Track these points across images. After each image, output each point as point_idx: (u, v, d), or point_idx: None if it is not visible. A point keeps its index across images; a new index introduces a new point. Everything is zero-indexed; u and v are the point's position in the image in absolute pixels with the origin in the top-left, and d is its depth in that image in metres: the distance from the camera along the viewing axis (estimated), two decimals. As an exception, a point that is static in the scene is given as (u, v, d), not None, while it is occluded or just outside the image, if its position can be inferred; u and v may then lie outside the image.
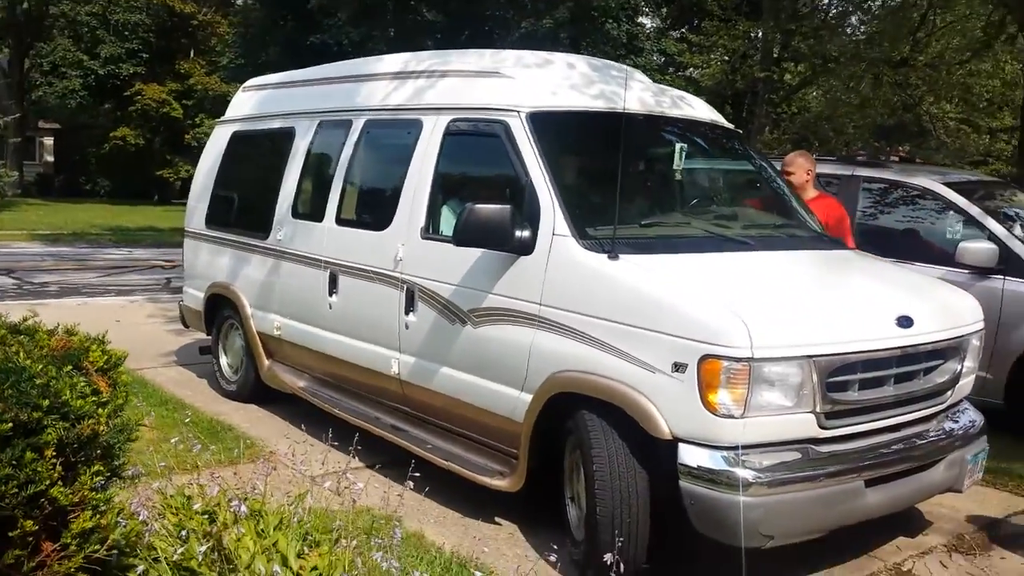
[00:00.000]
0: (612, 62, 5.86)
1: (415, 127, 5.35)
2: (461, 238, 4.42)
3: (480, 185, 5.09)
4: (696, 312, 3.74)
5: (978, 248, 6.27)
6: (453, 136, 5.08)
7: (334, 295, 5.76)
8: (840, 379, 3.83)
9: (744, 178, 5.45)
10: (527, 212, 4.40)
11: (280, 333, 6.37)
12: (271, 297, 6.46)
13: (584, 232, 4.28)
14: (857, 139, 22.39)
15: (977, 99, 24.91)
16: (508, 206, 4.36)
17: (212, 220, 7.34)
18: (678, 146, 4.87)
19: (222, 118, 7.74)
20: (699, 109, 5.56)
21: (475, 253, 4.64)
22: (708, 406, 3.63)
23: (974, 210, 6.59)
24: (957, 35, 18.05)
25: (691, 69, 27.71)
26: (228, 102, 7.99)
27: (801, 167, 5.85)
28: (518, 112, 4.70)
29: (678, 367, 3.71)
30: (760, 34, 31.14)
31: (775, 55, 29.33)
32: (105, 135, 39.05)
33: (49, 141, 43.00)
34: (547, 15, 23.27)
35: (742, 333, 3.60)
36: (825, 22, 32.05)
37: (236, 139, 7.33)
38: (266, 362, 6.63)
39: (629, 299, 3.94)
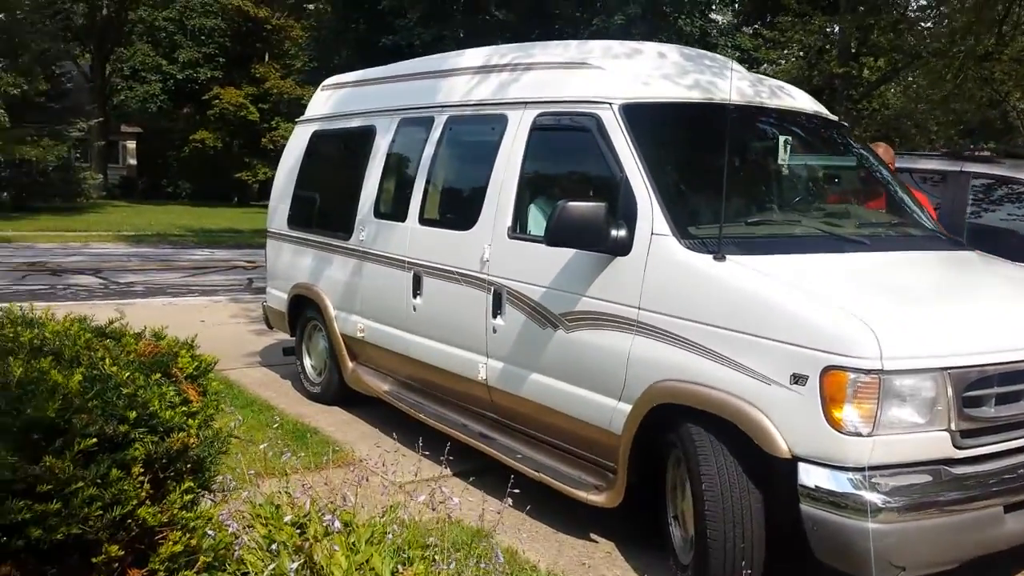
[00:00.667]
0: (705, 51, 5.56)
1: (500, 122, 5.15)
2: (553, 237, 4.20)
3: (570, 182, 4.87)
4: (817, 318, 3.44)
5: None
6: (540, 131, 4.87)
7: (418, 297, 5.60)
8: (976, 393, 3.49)
9: (851, 173, 5.10)
10: (623, 210, 4.16)
11: (364, 335, 6.24)
12: (354, 298, 6.34)
13: (686, 231, 4.02)
14: (941, 136, 21.55)
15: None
16: (603, 203, 4.13)
17: (294, 220, 7.27)
18: (782, 139, 4.57)
19: (302, 117, 7.66)
20: (800, 99, 5.23)
21: (567, 253, 4.42)
22: (832, 422, 3.34)
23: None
24: None
25: (766, 65, 27.06)
26: (303, 105, 7.93)
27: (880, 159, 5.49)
28: (610, 104, 4.46)
29: (797, 379, 3.43)
30: (837, 29, 30.28)
31: (853, 50, 28.46)
32: (185, 138, 39.96)
33: (131, 144, 44.22)
34: (618, 11, 22.88)
35: (870, 342, 3.30)
36: (904, 16, 30.99)
37: (316, 139, 7.24)
38: (350, 364, 6.51)
39: (739, 304, 3.67)
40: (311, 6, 38.51)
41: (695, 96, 4.69)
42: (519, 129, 4.96)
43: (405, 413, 5.85)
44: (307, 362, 7.17)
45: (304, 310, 7.09)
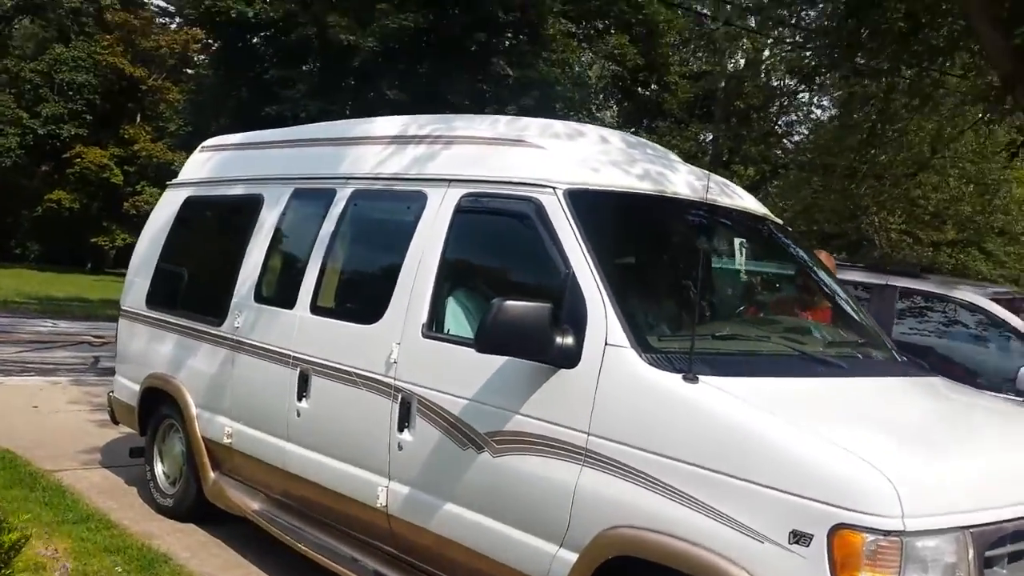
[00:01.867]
0: (645, 140, 5.02)
1: (417, 201, 4.40)
2: (486, 342, 3.43)
3: (502, 276, 4.15)
4: (824, 463, 2.79)
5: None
6: (466, 214, 4.15)
7: (304, 400, 4.69)
8: (994, 553, 2.90)
9: (803, 282, 4.58)
10: (569, 313, 3.45)
11: (232, 441, 5.24)
12: (223, 396, 5.35)
13: (647, 343, 3.34)
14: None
15: (922, 212, 25.17)
16: (547, 304, 3.41)
17: (154, 298, 6.23)
18: (738, 241, 4.02)
19: (174, 180, 6.71)
20: (748, 200, 4.72)
21: (497, 360, 3.66)
22: (842, 593, 2.66)
23: (1024, 327, 5.85)
24: (903, 148, 17.96)
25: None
26: (174, 170, 6.97)
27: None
28: (554, 188, 3.79)
29: (798, 537, 2.75)
30: (711, 137, 31.38)
31: (724, 158, 29.50)
32: (39, 197, 37.32)
33: (-22, 200, 41.04)
34: (511, 103, 22.83)
35: (890, 496, 2.66)
36: (774, 128, 32.49)
37: (189, 205, 6.29)
38: (212, 475, 5.47)
39: (721, 438, 2.98)
40: (190, 70, 37.24)
41: (646, 187, 4.08)
42: (440, 210, 4.22)
43: (279, 539, 4.87)
44: (159, 468, 6.05)
45: (158, 405, 6.01)
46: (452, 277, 4.16)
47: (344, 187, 4.92)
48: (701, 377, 3.15)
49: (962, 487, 2.90)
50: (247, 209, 5.61)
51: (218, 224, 6.12)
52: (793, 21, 12.03)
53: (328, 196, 4.98)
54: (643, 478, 3.14)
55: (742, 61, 35.87)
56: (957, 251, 26.78)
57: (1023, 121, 8.54)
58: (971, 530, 2.79)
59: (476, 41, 23.62)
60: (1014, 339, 5.86)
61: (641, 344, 3.31)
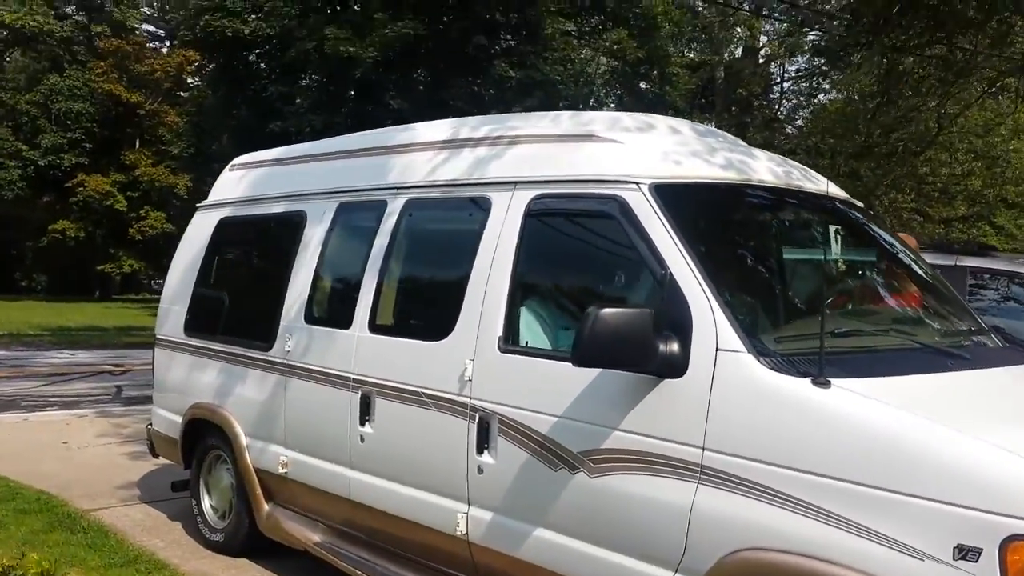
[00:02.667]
0: (712, 127, 4.74)
1: (480, 207, 4.14)
2: (585, 355, 3.16)
3: (585, 281, 3.87)
4: (989, 470, 2.51)
5: None
6: (538, 217, 3.88)
7: (367, 424, 4.43)
8: None
9: (895, 268, 4.30)
10: (670, 318, 3.18)
11: (287, 471, 4.98)
12: (275, 424, 5.08)
13: (764, 346, 3.07)
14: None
15: (931, 188, 24.95)
16: (648, 310, 3.15)
17: (193, 326, 5.97)
18: (832, 229, 3.73)
19: (205, 202, 6.44)
20: (827, 184, 4.45)
21: (589, 373, 3.39)
22: (1020, 612, 2.39)
23: None
24: (911, 125, 17.68)
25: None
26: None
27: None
28: (637, 184, 3.53)
29: (964, 552, 2.48)
30: (714, 126, 31.08)
31: (729, 147, 29.26)
32: (43, 228, 37.15)
33: (-18, 235, 40.88)
34: (516, 105, 22.59)
35: (1069, 502, 2.40)
36: (777, 115, 32.28)
37: (224, 227, 6.03)
38: (266, 507, 5.21)
39: (868, 447, 2.71)
40: (185, 93, 37.02)
41: (731, 177, 3.82)
42: (509, 215, 3.96)
43: (343, 572, 4.60)
44: (206, 502, 5.79)
45: (204, 437, 5.75)
46: (527, 286, 3.89)
47: (396, 198, 4.65)
48: (833, 380, 2.88)
49: None
50: (289, 227, 5.35)
51: (258, 244, 5.85)
52: (807, 2, 11.80)
53: (378, 208, 4.72)
54: (773, 495, 2.87)
55: (739, 50, 35.77)
56: (968, 226, 26.56)
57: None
58: None
59: (475, 45, 23.43)
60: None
61: (758, 348, 3.04)
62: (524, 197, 3.93)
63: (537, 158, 4.04)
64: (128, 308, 29.44)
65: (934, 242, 7.95)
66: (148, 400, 10.93)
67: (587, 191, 3.72)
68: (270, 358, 5.14)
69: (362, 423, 4.44)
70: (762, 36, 34.21)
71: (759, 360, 3.01)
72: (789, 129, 31.72)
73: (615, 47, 27.94)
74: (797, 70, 33.86)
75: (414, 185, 4.59)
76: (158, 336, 6.35)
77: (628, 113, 4.35)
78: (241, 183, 6.10)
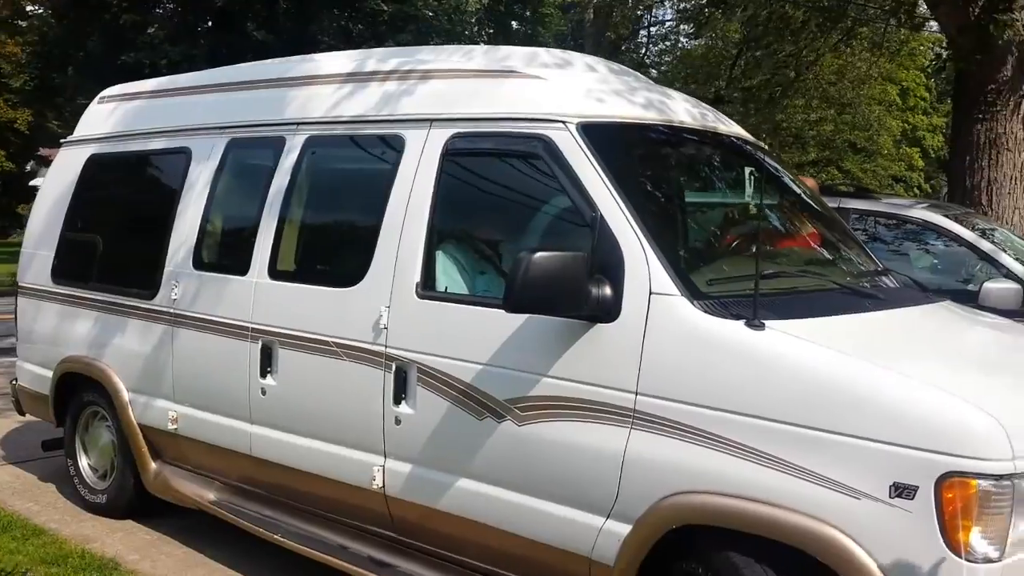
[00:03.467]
0: (623, 66, 4.64)
1: (392, 145, 3.92)
2: (518, 300, 3.03)
3: (507, 224, 3.73)
4: (924, 408, 2.56)
5: (1004, 288, 5.51)
6: (456, 156, 3.70)
7: (269, 376, 4.18)
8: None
9: (802, 210, 4.34)
10: (602, 262, 3.10)
11: (178, 427, 4.68)
12: (162, 378, 4.75)
13: (697, 290, 3.03)
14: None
15: (786, 134, 26.11)
16: (581, 254, 3.05)
17: (62, 272, 5.49)
18: (747, 171, 3.72)
19: (71, 138, 5.90)
20: (734, 125, 4.45)
21: (513, 319, 3.28)
22: (954, 547, 2.47)
23: (985, 245, 5.88)
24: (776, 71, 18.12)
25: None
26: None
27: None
28: (564, 123, 3.40)
29: (900, 490, 2.53)
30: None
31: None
32: None
33: None
34: (389, 40, 21.94)
35: (999, 438, 2.48)
36: (643, 61, 32.70)
37: (95, 165, 5.54)
38: (153, 465, 4.89)
39: (804, 389, 2.71)
40: (25, 23, 34.10)
41: (654, 117, 3.74)
42: (425, 154, 3.75)
43: (237, 527, 4.38)
44: (83, 462, 5.40)
45: (79, 392, 5.34)
46: (445, 229, 3.72)
47: (295, 134, 4.35)
48: (765, 323, 2.87)
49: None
50: (171, 165, 4.98)
51: (135, 184, 5.40)
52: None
53: (276, 145, 4.41)
54: (709, 438, 2.85)
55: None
56: (818, 171, 27.90)
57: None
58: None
59: (345, -24, 22.51)
60: (973, 257, 5.88)
61: (692, 291, 3.00)
62: (441, 135, 3.74)
63: (454, 94, 3.84)
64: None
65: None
66: (7, 352, 10.19)
67: (510, 129, 3.56)
68: (154, 307, 4.79)
69: (263, 375, 4.20)
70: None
71: (693, 303, 2.97)
72: (654, 73, 32.18)
73: (489, -18, 27.53)
74: (664, 15, 34.37)
75: (316, 121, 4.31)
76: (21, 284, 5.83)
77: (544, 48, 4.20)
78: (113, 117, 5.61)
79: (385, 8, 22.84)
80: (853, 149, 30.98)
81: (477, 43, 29.82)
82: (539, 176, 3.46)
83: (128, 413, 4.93)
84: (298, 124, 4.36)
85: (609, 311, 3.08)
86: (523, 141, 3.49)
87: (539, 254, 2.99)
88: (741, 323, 2.88)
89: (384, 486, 3.74)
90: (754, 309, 2.87)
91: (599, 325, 3.10)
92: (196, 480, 4.73)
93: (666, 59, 33.95)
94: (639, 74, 4.63)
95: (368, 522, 3.92)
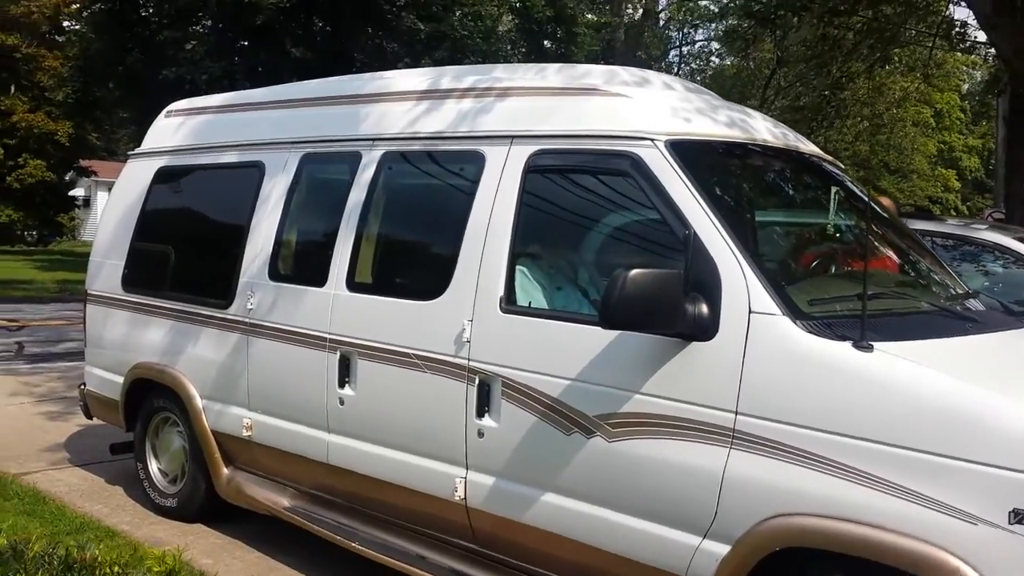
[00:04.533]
0: (699, 85, 4.67)
1: (471, 161, 3.97)
2: (615, 316, 3.06)
3: (593, 241, 3.75)
4: (1036, 433, 2.55)
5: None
6: (540, 173, 3.74)
7: (347, 386, 4.23)
8: None
9: (884, 230, 4.31)
10: (697, 280, 3.11)
11: (252, 434, 4.73)
12: (236, 385, 4.81)
13: (798, 309, 3.03)
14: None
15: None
16: (677, 271, 3.07)
17: (133, 281, 5.58)
18: (833, 190, 3.72)
19: (138, 150, 6.01)
20: (812, 145, 4.45)
21: (604, 335, 3.30)
22: (1074, 574, 2.45)
23: (1061, 270, 5.82)
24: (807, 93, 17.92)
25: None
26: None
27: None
28: (653, 140, 3.42)
29: (1021, 516, 2.51)
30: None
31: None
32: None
33: None
34: (425, 58, 22.13)
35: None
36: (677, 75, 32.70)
37: (165, 176, 5.64)
38: (225, 471, 4.95)
39: (917, 412, 2.70)
40: (62, 38, 34.65)
41: (739, 136, 3.76)
42: (507, 170, 3.79)
43: (310, 534, 4.42)
44: (153, 466, 5.47)
45: (150, 398, 5.42)
46: (529, 244, 3.76)
47: (371, 150, 4.41)
48: (875, 344, 2.86)
49: None
50: (244, 178, 5.04)
51: (207, 196, 5.49)
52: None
53: (351, 160, 4.47)
54: (814, 459, 2.85)
55: (640, 12, 36.05)
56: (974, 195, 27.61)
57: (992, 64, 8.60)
58: None
59: (382, -5, 22.75)
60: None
61: (793, 311, 3.00)
62: (523, 152, 3.78)
63: (535, 111, 3.88)
64: (5, 260, 27.64)
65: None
66: (55, 357, 10.36)
67: (595, 146, 3.59)
68: (229, 316, 4.85)
69: (341, 385, 4.24)
70: (660, -1, 34.65)
71: (796, 323, 2.97)
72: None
73: (524, 4, 27.70)
74: (693, 35, 34.49)
75: (393, 137, 4.36)
76: (90, 291, 5.93)
77: (622, 67, 4.23)
78: (182, 130, 5.71)
79: (421, 27, 23.05)
80: (888, 170, 30.86)
81: (511, 62, 30.03)
82: (626, 193, 3.49)
83: (201, 419, 4.99)
84: (374, 140, 4.41)
85: (706, 329, 3.08)
86: (609, 158, 3.52)
87: (636, 271, 3.01)
88: (847, 344, 2.87)
89: (466, 497, 3.77)
90: (862, 330, 2.87)
91: (695, 343, 3.11)
92: (270, 486, 4.77)
93: (698, 79, 34.05)
94: (715, 93, 4.64)
95: (448, 533, 3.94)
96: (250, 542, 4.91)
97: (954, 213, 31.46)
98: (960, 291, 3.89)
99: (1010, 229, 6.46)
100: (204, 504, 5.12)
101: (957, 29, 9.21)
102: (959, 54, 17.09)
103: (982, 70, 17.48)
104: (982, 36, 9.08)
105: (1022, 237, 6.04)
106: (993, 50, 8.46)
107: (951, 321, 3.33)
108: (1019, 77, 7.55)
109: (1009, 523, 2.52)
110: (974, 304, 3.77)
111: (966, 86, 31.73)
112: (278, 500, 4.68)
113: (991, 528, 2.54)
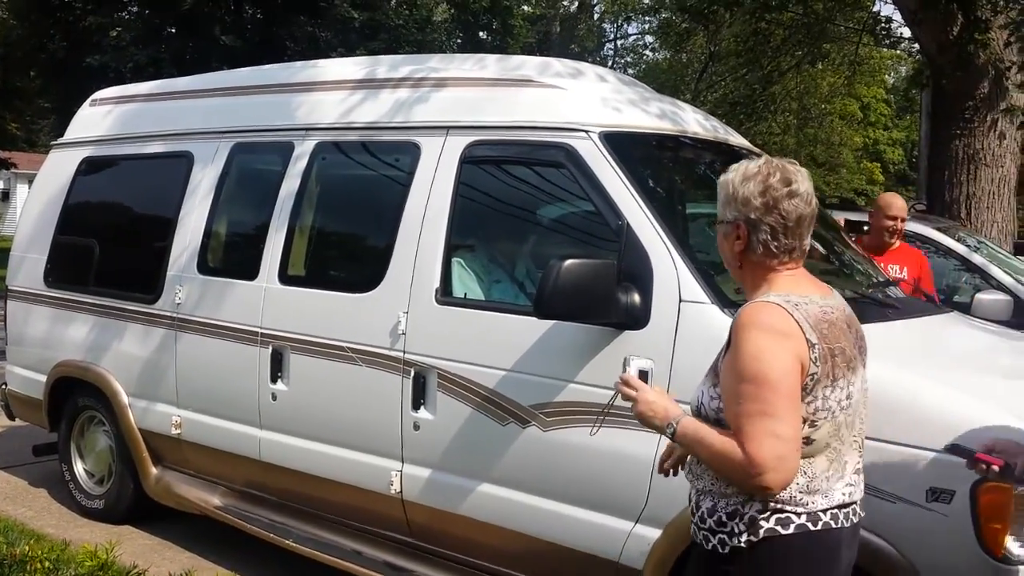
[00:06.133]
0: (632, 78, 4.70)
1: (408, 152, 3.94)
2: (549, 306, 3.07)
3: (529, 232, 3.76)
4: (962, 416, 2.63)
5: (995, 300, 5.65)
6: (475, 164, 3.73)
7: (280, 381, 4.17)
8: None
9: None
10: (628, 269, 3.14)
11: (181, 432, 4.63)
12: (164, 382, 4.71)
13: (726, 298, 3.08)
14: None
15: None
16: (611, 261, 3.10)
17: (56, 276, 5.41)
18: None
19: (61, 140, 5.83)
20: (740, 137, 4.54)
21: (542, 326, 3.31)
22: (990, 550, 2.54)
23: (976, 258, 6.03)
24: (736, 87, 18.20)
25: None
26: None
27: (904, 210, 4.98)
28: (587, 132, 3.44)
29: (938, 495, 2.60)
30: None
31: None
32: None
33: None
34: (360, 48, 21.88)
35: (1030, 443, 2.55)
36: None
37: (89, 168, 5.48)
38: (154, 471, 4.84)
39: (840, 395, 2.77)
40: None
41: (669, 128, 3.81)
42: (442, 161, 3.78)
43: (243, 533, 4.35)
44: (79, 467, 5.32)
45: (74, 397, 5.26)
46: (465, 235, 3.75)
47: (304, 140, 4.35)
48: (795, 330, 2.92)
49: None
50: (172, 169, 4.93)
51: (133, 187, 5.33)
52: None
53: (284, 150, 4.40)
54: (741, 443, 2.90)
55: (575, 4, 36.27)
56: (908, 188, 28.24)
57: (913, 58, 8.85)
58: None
59: (315, -17, 22.41)
60: (961, 268, 6.03)
61: (721, 299, 3.05)
62: (459, 143, 3.76)
63: (470, 102, 3.87)
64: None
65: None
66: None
67: (530, 138, 3.60)
68: (156, 311, 4.74)
69: (273, 380, 4.18)
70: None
71: (723, 311, 3.02)
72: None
73: (460, -6, 27.59)
74: (627, 29, 34.84)
75: (327, 127, 4.31)
76: (11, 287, 5.73)
77: (556, 59, 4.24)
78: (107, 120, 5.55)
79: (356, 16, 22.79)
80: (815, 163, 31.56)
81: (447, 53, 29.89)
82: (561, 184, 3.51)
83: (128, 417, 4.87)
84: (307, 130, 4.35)
85: (638, 318, 3.12)
86: (544, 150, 3.53)
87: (570, 261, 3.03)
88: (772, 331, 2.93)
89: (402, 491, 3.75)
90: (785, 317, 2.92)
91: (628, 332, 3.14)
92: (200, 485, 4.68)
93: (630, 72, 34.37)
94: (648, 87, 4.69)
95: (384, 527, 3.91)
96: (181, 543, 4.80)
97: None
98: (882, 280, 4.00)
99: (931, 219, 6.66)
100: (132, 505, 5.00)
101: (883, 25, 9.44)
102: (885, 49, 17.58)
103: (907, 65, 17.96)
104: (907, 32, 9.32)
105: (942, 227, 6.24)
106: (917, 45, 8.69)
107: (872, 308, 3.42)
108: (941, 72, 7.76)
109: (927, 501, 2.60)
110: (895, 292, 3.88)
111: (891, 81, 32.60)
112: (209, 499, 4.59)
113: (910, 506, 2.63)
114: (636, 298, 3.12)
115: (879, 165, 35.05)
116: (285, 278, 4.22)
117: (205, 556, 4.64)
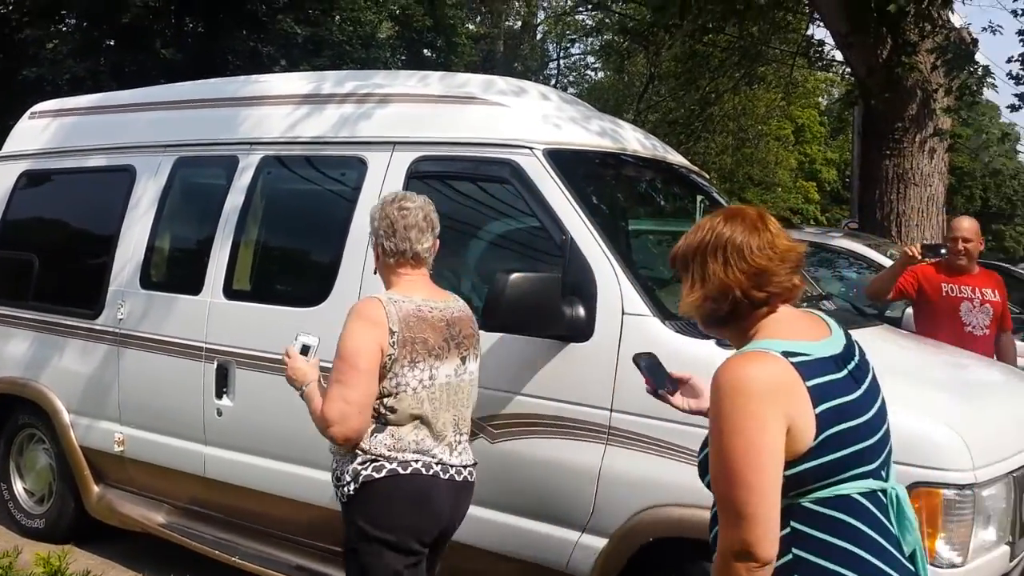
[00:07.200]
0: (572, 96, 4.81)
1: (354, 167, 3.98)
2: (495, 319, 3.13)
3: (475, 247, 3.82)
4: (897, 423, 2.74)
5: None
6: (421, 180, 3.77)
7: (225, 397, 4.15)
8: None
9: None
10: (572, 283, 3.22)
11: (124, 449, 4.57)
12: (106, 399, 4.65)
13: (667, 311, 3.17)
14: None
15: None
16: (556, 275, 3.17)
17: (-8, 291, 5.31)
18: (699, 199, 3.91)
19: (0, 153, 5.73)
20: (679, 155, 4.66)
21: (489, 339, 3.36)
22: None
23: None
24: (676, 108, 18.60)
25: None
26: None
27: (971, 231, 4.76)
28: (531, 148, 3.52)
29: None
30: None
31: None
32: None
33: None
34: (303, 62, 21.78)
35: (961, 451, 2.69)
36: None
37: (28, 181, 5.40)
38: (95, 489, 4.77)
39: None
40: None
41: (610, 145, 3.90)
42: (389, 176, 3.82)
43: (188, 550, 4.31)
44: (18, 486, 5.20)
45: (13, 415, 5.16)
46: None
47: (249, 154, 4.35)
48: (733, 342, 3.03)
49: (1003, 434, 2.98)
50: (113, 182, 4.89)
51: (74, 201, 5.26)
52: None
53: (228, 164, 4.40)
54: (681, 452, 2.98)
55: (519, 23, 36.61)
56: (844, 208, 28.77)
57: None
58: (1015, 475, 2.88)
59: (255, -2, 22.22)
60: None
61: (662, 312, 3.14)
62: (405, 159, 3.81)
63: (416, 118, 3.92)
64: None
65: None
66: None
67: (476, 154, 3.67)
68: (98, 326, 4.69)
69: (219, 396, 4.16)
70: (539, 12, 35.30)
71: (664, 324, 3.11)
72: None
73: (404, 12, 27.63)
74: (570, 49, 35.30)
75: (272, 141, 4.32)
76: (-55, 303, 5.59)
77: (500, 77, 4.32)
78: (47, 133, 5.47)
79: (299, 32, 22.68)
80: (752, 182, 32.22)
81: (392, 70, 29.90)
82: (506, 200, 3.59)
83: (69, 435, 4.79)
84: (252, 144, 4.36)
85: (583, 331, 3.20)
86: (489, 165, 3.60)
87: (516, 275, 3.10)
88: (711, 342, 3.02)
89: (348, 505, 3.75)
90: (723, 329, 3.02)
91: (573, 344, 3.22)
92: (144, 503, 4.62)
93: (573, 91, 34.78)
94: (589, 105, 4.80)
95: (330, 542, 3.91)
96: (125, 562, 4.74)
97: (813, 223, 33.12)
98: (815, 294, 4.14)
99: (862, 237, 6.89)
100: (74, 524, 4.91)
101: (816, 48, 9.75)
102: (819, 72, 18.09)
103: (839, 87, 18.51)
104: (839, 55, 9.64)
105: (873, 244, 6.47)
106: (848, 68, 8.99)
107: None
108: (871, 93, 8.04)
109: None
110: (827, 305, 4.03)
111: (824, 102, 33.49)
112: (153, 517, 4.54)
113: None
114: (581, 311, 3.19)
115: (815, 184, 35.90)
116: (230, 293, 4.21)
117: (149, 575, 4.58)
